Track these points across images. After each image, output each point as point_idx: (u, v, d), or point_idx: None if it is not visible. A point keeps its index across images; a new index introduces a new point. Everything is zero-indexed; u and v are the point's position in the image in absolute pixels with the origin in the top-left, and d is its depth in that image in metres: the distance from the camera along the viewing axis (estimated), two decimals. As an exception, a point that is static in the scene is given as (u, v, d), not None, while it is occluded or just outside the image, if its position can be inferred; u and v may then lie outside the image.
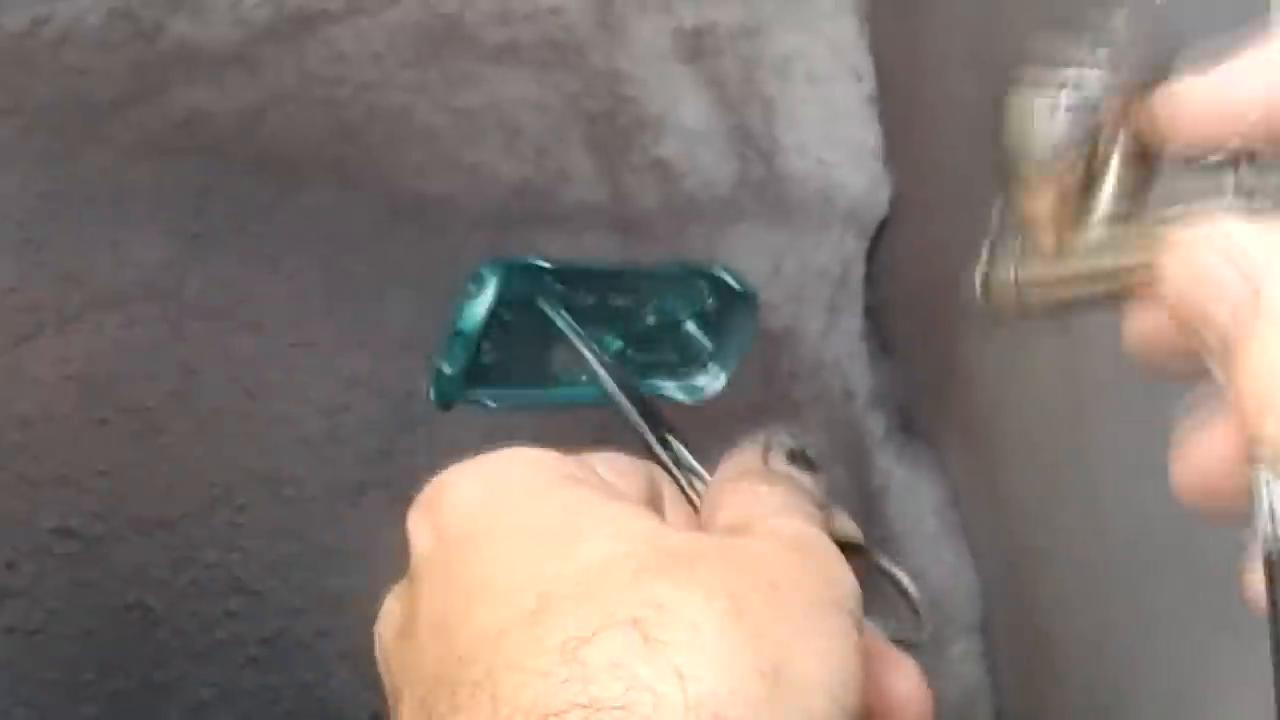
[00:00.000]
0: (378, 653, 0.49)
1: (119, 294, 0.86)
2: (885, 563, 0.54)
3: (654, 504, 0.50)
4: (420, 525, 0.49)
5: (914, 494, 0.92)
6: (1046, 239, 0.45)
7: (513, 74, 0.93)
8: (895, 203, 0.95)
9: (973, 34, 0.85)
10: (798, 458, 0.52)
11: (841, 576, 0.45)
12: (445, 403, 0.59)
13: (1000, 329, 0.77)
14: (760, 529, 0.46)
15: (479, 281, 0.57)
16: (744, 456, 0.52)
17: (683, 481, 0.53)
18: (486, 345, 0.59)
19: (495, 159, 0.92)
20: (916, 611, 0.54)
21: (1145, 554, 0.71)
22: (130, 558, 0.84)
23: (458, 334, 0.58)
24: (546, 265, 0.57)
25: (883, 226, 0.96)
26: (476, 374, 0.60)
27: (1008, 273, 0.46)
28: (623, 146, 0.93)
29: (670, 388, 0.62)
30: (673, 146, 0.94)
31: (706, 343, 0.61)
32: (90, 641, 0.83)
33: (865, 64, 0.97)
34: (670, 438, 0.55)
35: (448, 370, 0.58)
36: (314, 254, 0.89)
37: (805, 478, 0.51)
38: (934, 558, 0.91)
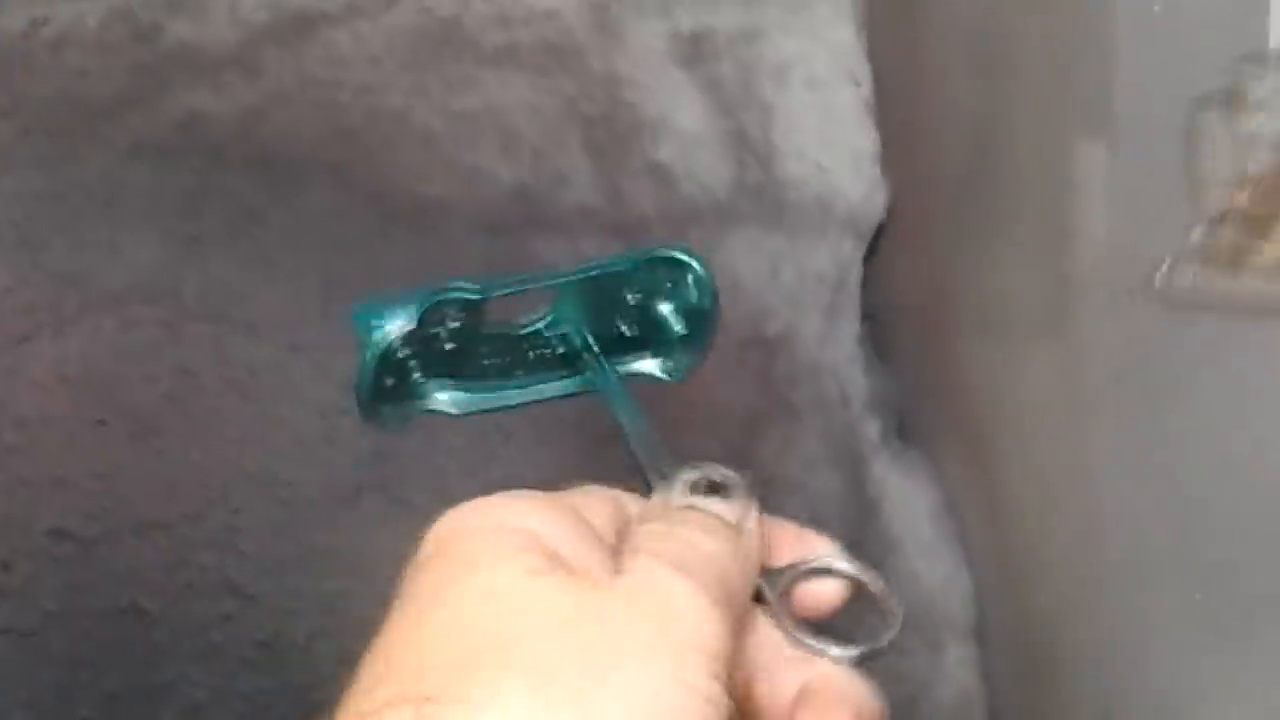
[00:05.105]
0: None
1: (116, 296, 0.86)
2: (849, 568, 0.55)
3: (621, 536, 0.51)
4: (419, 547, 0.50)
5: (909, 499, 0.92)
6: (1229, 250, 0.45)
7: (510, 77, 0.93)
8: (892, 208, 0.95)
9: (970, 40, 0.85)
10: (702, 487, 0.52)
11: (691, 626, 0.45)
12: (370, 418, 0.60)
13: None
14: (622, 576, 0.47)
15: (371, 327, 0.57)
16: (655, 496, 0.53)
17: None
18: (414, 365, 0.60)
19: (493, 162, 0.92)
20: (887, 614, 0.55)
21: (1140, 559, 0.71)
22: (126, 559, 0.84)
23: (363, 368, 0.58)
24: (471, 293, 0.58)
25: (880, 232, 0.96)
26: (407, 391, 0.60)
27: (1188, 276, 0.46)
28: (620, 150, 0.93)
29: (652, 365, 0.63)
30: (670, 151, 0.94)
31: (677, 322, 0.62)
32: (86, 643, 0.83)
33: (863, 69, 0.97)
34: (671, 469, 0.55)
35: (360, 397, 0.59)
36: (311, 256, 0.89)
37: (715, 504, 0.52)
38: (929, 563, 0.91)
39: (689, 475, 0.53)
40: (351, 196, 0.90)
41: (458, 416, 0.61)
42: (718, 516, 0.51)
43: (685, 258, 0.60)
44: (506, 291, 0.59)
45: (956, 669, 0.89)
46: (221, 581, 0.85)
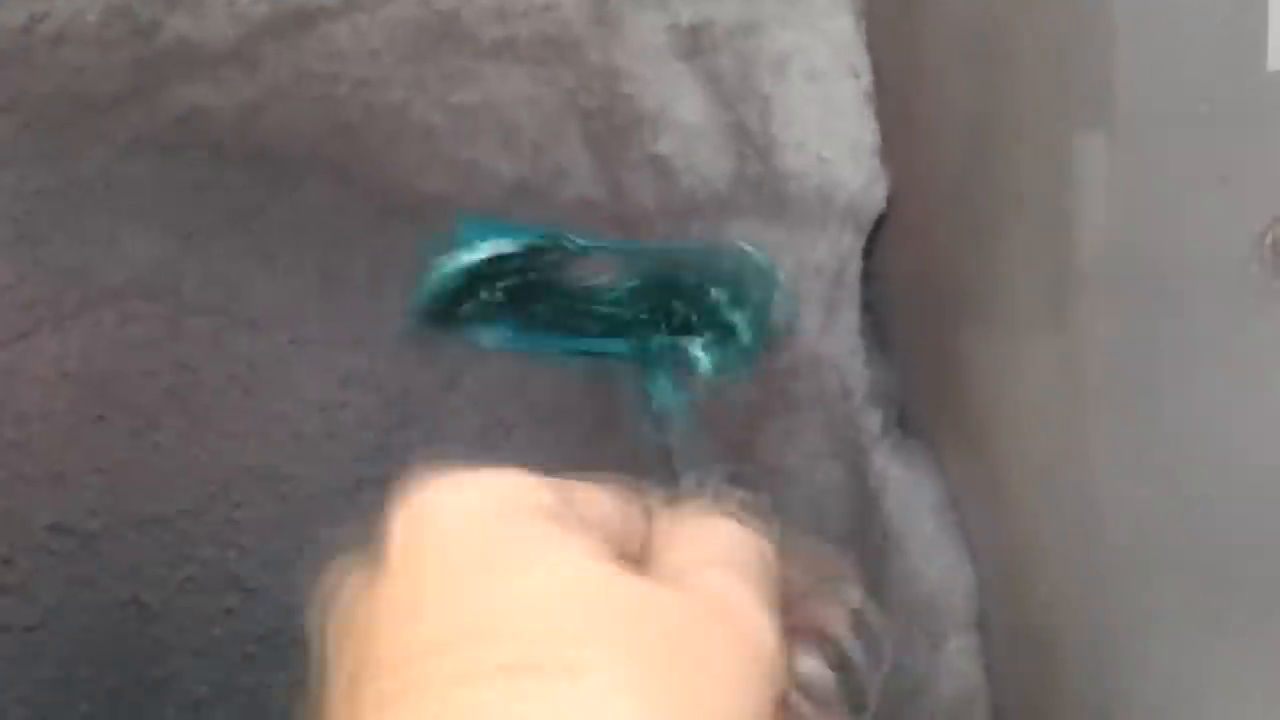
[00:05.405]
0: (319, 615, 0.51)
1: (116, 291, 0.86)
2: (851, 594, 0.55)
3: (625, 530, 0.50)
4: (400, 522, 0.49)
5: (911, 492, 0.92)
6: None
7: (510, 71, 0.93)
8: (892, 199, 0.95)
9: (969, 33, 0.85)
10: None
11: (758, 635, 0.45)
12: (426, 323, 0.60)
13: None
14: (689, 580, 0.46)
15: (471, 238, 0.57)
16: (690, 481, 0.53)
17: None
18: (495, 286, 0.60)
19: (492, 156, 0.92)
20: (878, 644, 0.54)
21: (1142, 553, 0.71)
22: (127, 554, 0.84)
23: (444, 274, 0.58)
24: (572, 244, 0.58)
25: (880, 223, 0.96)
26: (461, 311, 0.60)
27: None
28: (620, 143, 0.93)
29: (703, 360, 0.63)
30: (670, 143, 0.94)
31: (736, 318, 0.62)
32: (86, 638, 0.83)
33: (863, 61, 0.96)
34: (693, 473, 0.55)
35: (423, 297, 0.59)
36: (311, 251, 0.89)
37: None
38: (931, 556, 0.91)
39: (714, 477, 0.52)
40: (351, 191, 0.90)
41: (492, 350, 0.61)
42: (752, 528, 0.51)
43: (763, 262, 0.61)
44: (603, 251, 0.59)
45: (959, 662, 0.89)
46: (222, 576, 0.85)
